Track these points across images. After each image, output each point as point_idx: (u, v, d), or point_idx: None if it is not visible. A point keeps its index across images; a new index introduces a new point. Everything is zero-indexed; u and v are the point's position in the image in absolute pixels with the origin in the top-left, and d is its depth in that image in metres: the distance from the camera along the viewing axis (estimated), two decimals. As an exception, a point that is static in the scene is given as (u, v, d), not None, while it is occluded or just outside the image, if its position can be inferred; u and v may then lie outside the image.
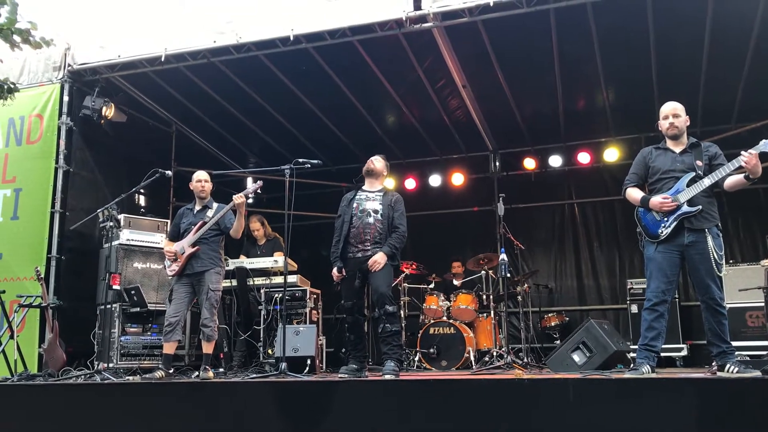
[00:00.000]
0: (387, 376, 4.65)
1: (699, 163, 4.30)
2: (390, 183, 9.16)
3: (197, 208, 5.71)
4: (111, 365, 6.09)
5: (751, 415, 3.28)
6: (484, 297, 7.67)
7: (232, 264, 6.74)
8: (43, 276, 6.37)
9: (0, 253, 7.14)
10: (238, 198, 5.31)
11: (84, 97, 7.20)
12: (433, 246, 9.20)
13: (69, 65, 7.27)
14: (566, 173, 9.36)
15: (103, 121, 7.27)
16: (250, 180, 9.85)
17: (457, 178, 9.55)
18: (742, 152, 4.04)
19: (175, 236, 5.68)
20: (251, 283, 6.74)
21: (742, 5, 6.01)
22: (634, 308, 7.93)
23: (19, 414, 4.65)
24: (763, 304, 6.48)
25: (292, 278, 6.54)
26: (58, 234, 6.91)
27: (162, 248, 6.01)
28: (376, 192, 5.32)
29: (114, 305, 6.33)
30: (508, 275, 6.53)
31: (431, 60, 6.97)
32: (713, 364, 4.27)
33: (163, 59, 6.79)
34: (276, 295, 6.51)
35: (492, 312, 7.55)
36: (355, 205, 5.25)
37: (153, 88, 7.64)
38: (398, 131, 8.95)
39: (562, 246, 9.38)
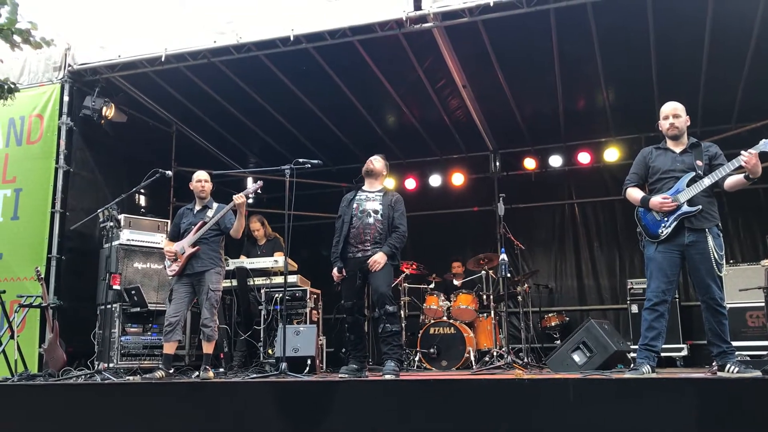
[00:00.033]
0: (387, 376, 4.65)
1: (699, 163, 4.30)
2: (390, 183, 9.16)
3: (197, 208, 5.71)
4: (111, 365, 6.09)
5: (752, 415, 3.28)
6: (485, 297, 7.67)
7: (233, 264, 6.74)
8: (43, 276, 6.37)
9: (0, 253, 7.14)
10: (238, 198, 5.31)
11: (84, 97, 7.20)
12: (433, 246, 9.20)
13: (69, 65, 7.27)
14: (566, 173, 9.36)
15: (103, 121, 7.27)
16: (250, 180, 9.85)
17: (458, 178, 9.55)
18: (742, 152, 4.05)
19: (175, 236, 5.68)
20: (251, 283, 6.74)
21: (742, 5, 6.01)
22: (635, 308, 7.93)
23: (20, 414, 4.65)
24: (763, 304, 6.47)
25: (292, 278, 6.54)
26: (59, 234, 6.92)
27: (162, 248, 6.01)
28: (376, 192, 5.32)
29: (114, 305, 6.33)
30: (509, 275, 6.54)
31: (431, 60, 6.97)
32: (713, 364, 4.27)
33: (163, 59, 6.79)
34: (276, 295, 6.51)
35: (492, 312, 7.55)
36: (355, 205, 5.25)
37: (153, 88, 7.64)
38: (398, 131, 8.95)
39: (563, 246, 9.38)
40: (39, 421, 4.56)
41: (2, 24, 5.69)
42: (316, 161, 5.37)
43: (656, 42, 6.57)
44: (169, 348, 5.44)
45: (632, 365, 4.37)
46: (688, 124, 4.47)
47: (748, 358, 5.36)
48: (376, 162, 5.39)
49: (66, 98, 7.25)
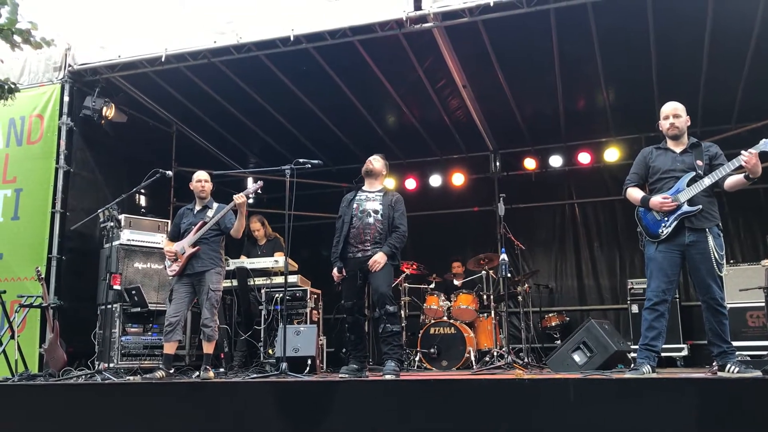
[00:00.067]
0: (387, 376, 4.65)
1: (699, 162, 4.30)
2: (390, 183, 9.16)
3: (197, 208, 5.71)
4: (111, 365, 6.09)
5: (752, 415, 3.28)
6: (485, 297, 7.67)
7: (233, 264, 6.74)
8: (43, 276, 6.37)
9: (1, 254, 7.14)
10: (238, 198, 5.31)
11: (84, 97, 7.20)
12: (433, 246, 9.20)
13: (69, 65, 7.28)
14: (566, 173, 9.36)
15: (103, 122, 7.27)
16: (250, 180, 9.85)
17: (458, 178, 9.55)
18: (742, 152, 4.05)
19: (175, 236, 5.68)
20: (252, 283, 6.75)
21: (742, 5, 6.01)
22: (635, 308, 7.93)
23: (20, 414, 4.65)
24: (763, 304, 6.48)
25: (292, 278, 6.54)
26: (59, 234, 6.92)
27: (162, 248, 6.01)
28: (376, 192, 5.32)
29: (114, 305, 6.34)
30: (509, 275, 6.54)
31: (431, 60, 6.97)
32: (714, 364, 4.27)
33: (163, 59, 6.80)
34: (276, 295, 6.52)
35: (492, 312, 7.55)
36: (355, 205, 5.25)
37: (153, 89, 7.64)
38: (398, 131, 8.95)
39: (563, 246, 9.38)
40: (39, 421, 4.56)
41: (2, 24, 5.69)
42: (316, 161, 5.36)
43: (656, 42, 6.57)
44: (170, 348, 5.44)
45: (632, 365, 4.37)
46: (689, 124, 4.47)
47: (749, 358, 5.36)
48: (376, 162, 5.39)
49: (66, 98, 7.26)
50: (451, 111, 8.25)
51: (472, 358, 7.03)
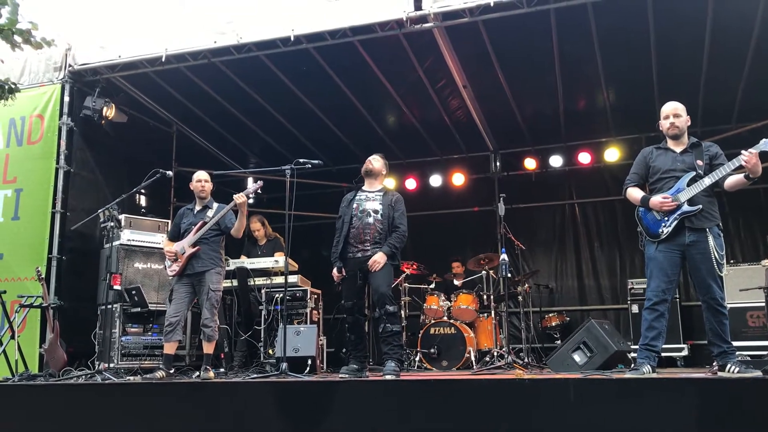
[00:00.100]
0: (388, 377, 4.65)
1: (699, 162, 4.30)
2: (391, 183, 9.17)
3: (197, 208, 5.71)
4: (112, 365, 6.10)
5: (752, 416, 3.28)
6: (485, 297, 7.66)
7: (233, 264, 6.74)
8: (43, 276, 6.38)
9: (1, 254, 7.14)
10: (239, 198, 5.31)
11: (84, 97, 7.20)
12: (433, 246, 9.21)
13: (70, 65, 7.28)
14: (567, 173, 9.36)
15: (103, 122, 7.27)
16: (250, 180, 9.85)
17: (458, 179, 9.55)
18: (743, 151, 4.05)
19: (175, 236, 5.68)
20: (252, 283, 6.75)
21: (742, 5, 6.01)
22: (635, 308, 7.93)
23: (20, 414, 4.66)
24: (763, 304, 6.48)
25: (292, 278, 6.54)
26: (59, 234, 6.92)
27: (163, 248, 6.01)
28: (376, 192, 5.31)
29: (115, 305, 6.34)
30: (509, 275, 6.54)
31: (432, 60, 6.97)
32: (714, 364, 4.27)
33: (163, 59, 6.80)
34: (277, 296, 6.51)
35: (493, 312, 7.55)
36: (355, 205, 5.25)
37: (153, 89, 7.64)
38: (399, 131, 8.95)
39: (563, 246, 9.38)
40: (39, 421, 4.56)
41: (3, 24, 5.68)
42: (316, 161, 5.36)
43: (656, 42, 6.57)
44: (170, 348, 5.44)
45: (633, 365, 4.37)
46: (689, 124, 4.47)
47: (749, 358, 5.36)
48: (375, 162, 5.39)
49: (66, 98, 7.26)
50: (452, 111, 8.25)
51: (473, 358, 7.03)
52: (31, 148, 7.31)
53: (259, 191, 5.54)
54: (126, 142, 7.79)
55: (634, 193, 4.50)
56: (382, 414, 3.92)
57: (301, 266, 6.99)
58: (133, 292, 6.41)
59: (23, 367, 6.02)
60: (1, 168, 7.39)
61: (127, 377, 5.70)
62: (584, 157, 8.96)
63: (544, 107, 8.21)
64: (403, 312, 7.47)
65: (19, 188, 7.24)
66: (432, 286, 7.94)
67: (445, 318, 7.35)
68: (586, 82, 7.50)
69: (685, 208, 4.21)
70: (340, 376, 4.91)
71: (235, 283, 6.74)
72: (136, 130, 7.88)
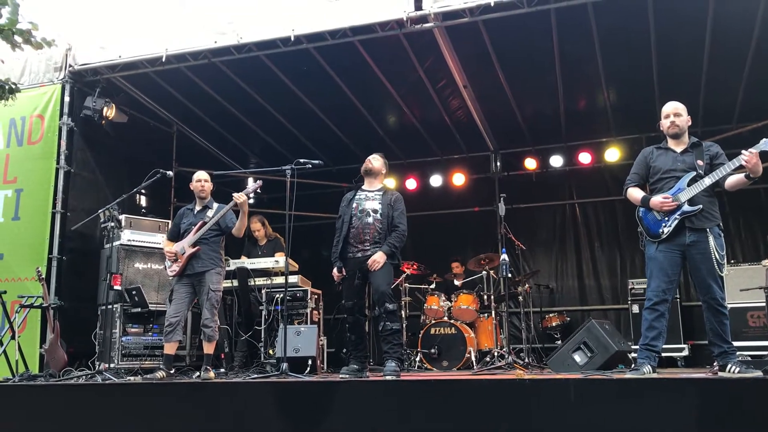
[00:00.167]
0: (388, 377, 4.65)
1: (700, 162, 4.29)
2: (391, 183, 9.17)
3: (197, 208, 5.71)
4: (112, 365, 6.10)
5: (752, 416, 3.27)
6: (485, 297, 7.66)
7: (233, 264, 6.74)
8: (44, 276, 6.38)
9: (1, 254, 7.14)
10: (239, 197, 5.31)
11: (85, 97, 7.21)
12: (434, 246, 9.21)
13: (70, 66, 7.28)
14: (567, 173, 9.36)
15: (104, 122, 7.28)
16: (251, 180, 9.85)
17: (458, 179, 9.55)
18: (743, 151, 4.04)
19: (175, 236, 5.68)
20: (252, 283, 6.74)
21: (743, 6, 6.01)
22: (636, 308, 7.93)
23: (20, 414, 4.66)
24: (764, 304, 6.47)
25: (293, 278, 6.54)
26: (59, 234, 6.92)
27: (163, 248, 6.01)
28: (376, 191, 5.31)
29: (115, 306, 6.34)
30: (509, 275, 6.53)
31: (432, 60, 6.97)
32: (714, 364, 4.27)
33: (163, 59, 6.80)
34: (277, 296, 6.51)
35: (493, 312, 7.54)
36: (354, 205, 5.25)
37: (154, 89, 7.65)
38: (399, 131, 8.95)
39: (563, 246, 9.38)
40: (39, 422, 4.56)
41: (3, 24, 5.68)
42: (316, 161, 5.35)
43: (657, 42, 6.57)
44: (170, 348, 5.44)
45: (633, 365, 4.36)
46: (689, 124, 4.47)
47: (749, 358, 5.36)
48: (375, 161, 5.38)
49: (67, 98, 7.26)
50: (452, 111, 8.25)
51: (473, 359, 7.03)
52: (31, 148, 7.32)
53: (258, 191, 5.54)
54: (126, 142, 7.79)
55: (635, 194, 4.49)
56: (383, 414, 3.92)
57: (301, 266, 6.99)
58: (134, 292, 6.41)
59: (24, 368, 6.02)
60: (1, 168, 7.40)
61: (128, 377, 5.69)
62: (585, 157, 8.95)
63: (545, 107, 8.21)
64: (403, 312, 7.47)
65: (19, 188, 7.24)
66: (432, 286, 7.94)
67: (446, 318, 7.35)
68: (587, 82, 7.50)
69: (686, 208, 4.21)
70: (340, 376, 4.91)
71: (235, 283, 6.74)
72: (136, 130, 7.89)
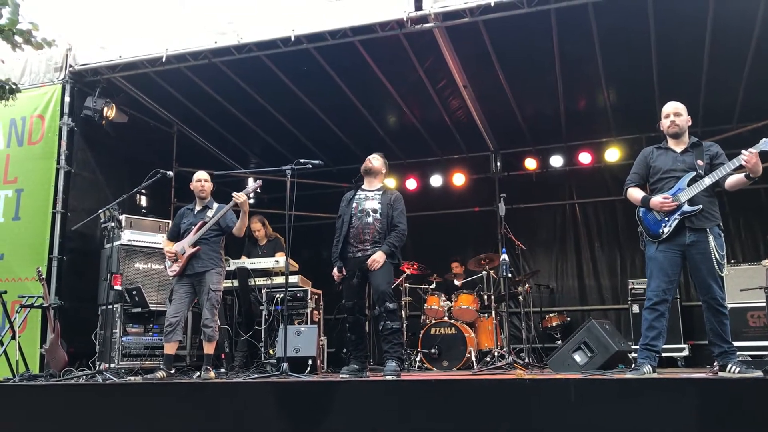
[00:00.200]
0: (388, 377, 4.65)
1: (700, 162, 4.29)
2: (391, 183, 9.16)
3: (197, 208, 5.71)
4: (112, 365, 6.10)
5: (752, 416, 3.27)
6: (486, 297, 7.66)
7: (234, 264, 6.74)
8: (44, 276, 6.38)
9: (1, 254, 7.15)
10: (239, 197, 5.31)
11: (85, 97, 7.21)
12: (434, 246, 9.21)
13: (70, 66, 7.29)
14: (567, 173, 9.36)
15: (104, 122, 7.28)
16: (251, 180, 9.85)
17: (458, 179, 9.55)
18: (743, 151, 4.05)
19: (175, 236, 5.68)
20: (252, 283, 6.75)
21: (743, 5, 6.01)
22: (636, 308, 7.93)
23: (20, 414, 4.66)
24: (764, 304, 6.47)
25: (293, 278, 6.54)
26: (60, 234, 6.92)
27: (163, 249, 6.02)
28: (375, 191, 5.31)
29: (115, 306, 6.34)
30: (510, 275, 6.53)
31: (432, 60, 6.97)
32: (715, 364, 4.27)
33: (164, 60, 6.80)
34: (277, 296, 6.51)
35: (493, 312, 7.54)
36: (354, 204, 5.25)
37: (154, 89, 7.65)
38: (399, 131, 8.95)
39: (564, 246, 9.38)
40: (40, 422, 4.56)
41: (3, 24, 5.68)
42: (317, 162, 5.35)
43: (657, 42, 6.57)
44: (170, 348, 5.44)
45: (633, 365, 4.37)
46: (690, 124, 4.47)
47: (750, 358, 5.36)
48: (375, 160, 5.38)
49: (67, 99, 7.27)
50: (452, 111, 8.25)
51: (473, 359, 7.03)
52: (31, 148, 7.32)
53: (258, 191, 5.54)
54: (127, 142, 7.80)
55: (635, 194, 4.49)
56: (383, 414, 3.92)
57: (301, 266, 6.99)
58: (134, 292, 6.41)
59: (24, 368, 6.02)
60: (1, 168, 7.40)
61: (128, 377, 5.70)
62: (585, 157, 8.95)
63: (545, 107, 8.21)
64: (403, 312, 7.47)
65: (19, 188, 7.25)
66: (432, 286, 7.94)
67: (446, 318, 7.35)
68: (587, 82, 7.50)
69: (686, 208, 4.21)
70: (340, 376, 4.91)
71: (235, 283, 6.74)
72: (136, 130, 7.89)
